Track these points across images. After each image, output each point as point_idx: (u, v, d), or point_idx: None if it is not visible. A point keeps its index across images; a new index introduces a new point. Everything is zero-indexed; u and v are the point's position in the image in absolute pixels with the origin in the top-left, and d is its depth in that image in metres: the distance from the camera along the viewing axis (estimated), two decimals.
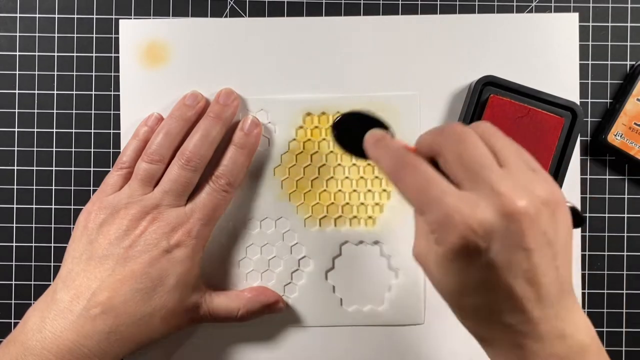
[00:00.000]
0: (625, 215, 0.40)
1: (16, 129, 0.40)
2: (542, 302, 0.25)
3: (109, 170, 0.37)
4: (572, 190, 0.39)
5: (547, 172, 0.29)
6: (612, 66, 0.40)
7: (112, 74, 0.40)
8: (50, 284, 0.35)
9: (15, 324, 0.40)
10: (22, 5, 0.40)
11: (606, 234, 0.40)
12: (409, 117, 0.39)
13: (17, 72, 0.40)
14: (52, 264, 0.40)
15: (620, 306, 0.40)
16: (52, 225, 0.40)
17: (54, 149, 0.40)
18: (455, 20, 0.40)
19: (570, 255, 0.27)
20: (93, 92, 0.40)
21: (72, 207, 0.40)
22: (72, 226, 0.40)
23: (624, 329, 0.40)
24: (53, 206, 0.40)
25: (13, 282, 0.40)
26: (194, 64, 0.40)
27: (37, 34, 0.40)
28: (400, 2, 0.40)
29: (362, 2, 0.40)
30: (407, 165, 0.27)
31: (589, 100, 0.40)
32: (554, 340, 0.26)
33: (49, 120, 0.40)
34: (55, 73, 0.40)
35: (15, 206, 0.40)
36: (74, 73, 0.40)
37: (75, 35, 0.40)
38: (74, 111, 0.40)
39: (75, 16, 0.40)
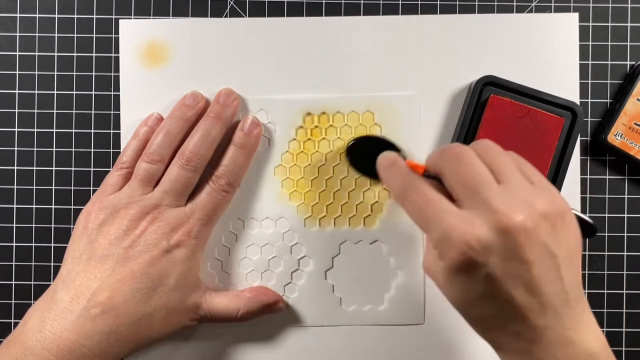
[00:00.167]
0: (625, 215, 0.40)
1: (16, 129, 0.40)
2: (546, 311, 0.26)
3: (109, 170, 0.37)
4: (572, 190, 0.39)
5: (548, 180, 0.30)
6: (612, 66, 0.40)
7: (112, 74, 0.40)
8: (50, 284, 0.35)
9: (15, 324, 0.40)
10: (22, 5, 0.40)
11: (606, 234, 0.40)
12: (409, 117, 0.39)
13: (17, 72, 0.40)
14: (52, 264, 0.40)
15: (620, 306, 0.40)
16: (52, 225, 0.40)
17: (54, 149, 0.40)
18: (455, 20, 0.40)
19: (578, 264, 0.28)
20: (93, 92, 0.40)
21: (72, 207, 0.40)
22: (72, 226, 0.40)
23: (624, 329, 0.40)
24: (53, 206, 0.40)
25: (13, 282, 0.40)
26: (194, 64, 0.40)
27: (37, 34, 0.40)
28: (400, 2, 0.40)
29: (362, 2, 0.40)
30: (410, 187, 0.29)
31: (589, 100, 0.40)
32: (561, 348, 0.27)
33: (49, 120, 0.40)
34: (55, 73, 0.40)
35: (15, 206, 0.40)
36: (74, 73, 0.40)
37: (75, 35, 0.40)
38: (74, 111, 0.40)
39: (75, 16, 0.40)
